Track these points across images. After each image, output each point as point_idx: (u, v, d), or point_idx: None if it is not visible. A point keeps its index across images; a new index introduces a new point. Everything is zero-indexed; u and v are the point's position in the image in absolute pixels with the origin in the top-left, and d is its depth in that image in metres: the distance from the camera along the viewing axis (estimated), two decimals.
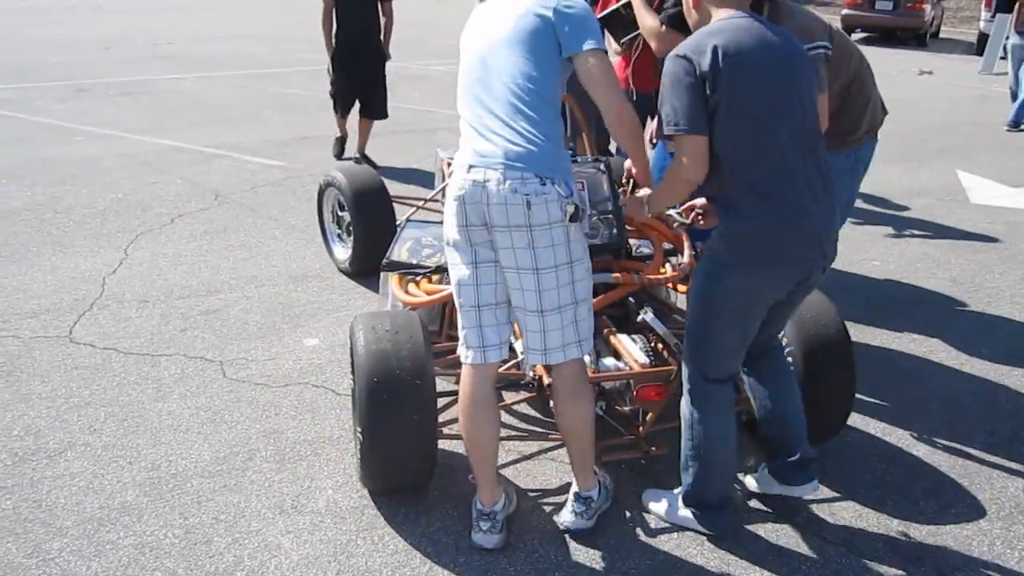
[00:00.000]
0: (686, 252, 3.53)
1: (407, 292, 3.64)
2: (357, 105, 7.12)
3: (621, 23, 4.02)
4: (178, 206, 5.82)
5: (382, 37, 6.98)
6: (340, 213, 4.76)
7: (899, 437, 3.37)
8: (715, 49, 2.37)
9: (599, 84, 2.46)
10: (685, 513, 2.79)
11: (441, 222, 4.41)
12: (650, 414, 3.04)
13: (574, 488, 2.79)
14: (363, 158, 7.15)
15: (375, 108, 7.05)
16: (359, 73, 6.90)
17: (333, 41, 6.84)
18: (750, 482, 2.98)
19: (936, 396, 3.69)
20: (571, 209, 2.48)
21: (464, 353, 2.61)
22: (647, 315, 3.19)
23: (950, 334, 4.27)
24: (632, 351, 3.09)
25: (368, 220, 4.55)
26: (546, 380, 2.97)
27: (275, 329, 4.14)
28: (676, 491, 2.85)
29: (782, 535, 2.80)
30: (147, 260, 4.94)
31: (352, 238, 4.62)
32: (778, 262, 2.51)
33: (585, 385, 2.69)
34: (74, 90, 10.15)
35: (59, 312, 4.26)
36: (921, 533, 2.83)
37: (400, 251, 4.07)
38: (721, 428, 2.69)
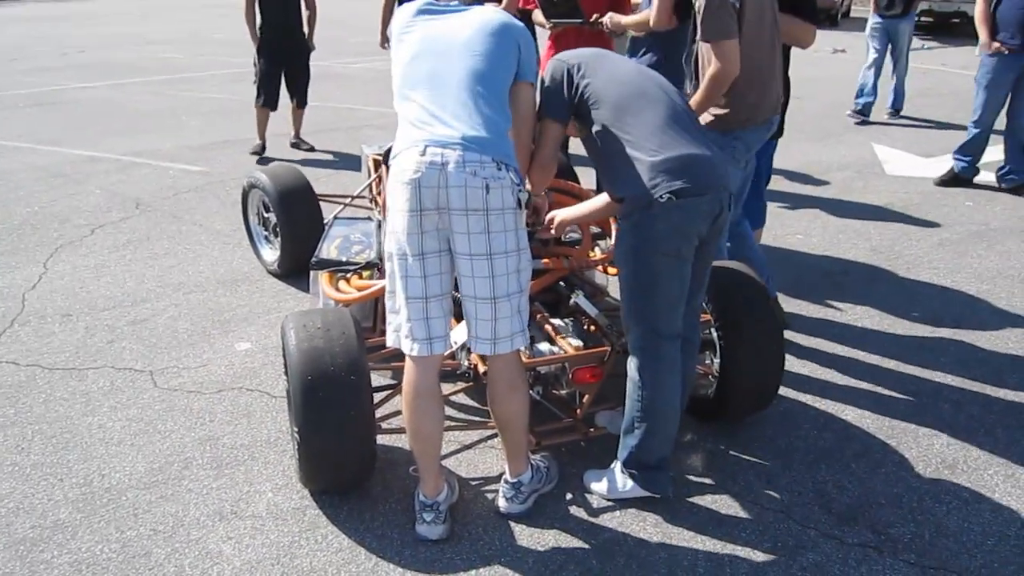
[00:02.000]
0: (614, 234, 3.57)
1: (338, 289, 3.61)
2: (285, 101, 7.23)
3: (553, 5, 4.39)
4: (98, 216, 5.65)
5: (306, 29, 7.20)
6: (266, 214, 4.69)
7: (828, 404, 3.47)
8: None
9: (524, 114, 2.72)
10: (625, 486, 2.83)
11: (369, 218, 4.44)
12: (587, 396, 3.07)
13: (505, 475, 2.80)
14: (301, 142, 7.52)
15: (301, 94, 7.37)
16: (285, 61, 7.13)
17: (258, 32, 7.02)
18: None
19: (862, 362, 3.80)
20: (524, 196, 2.52)
21: (408, 346, 2.58)
22: (578, 298, 3.22)
23: (873, 301, 4.40)
24: (566, 334, 3.12)
25: (295, 220, 4.49)
26: (482, 369, 2.98)
27: (205, 335, 4.06)
28: (613, 466, 2.89)
29: (721, 504, 2.87)
30: (68, 273, 4.79)
31: (279, 239, 4.55)
32: (696, 192, 2.59)
33: (521, 375, 2.71)
34: None
35: None
36: (854, 495, 2.92)
37: (329, 249, 4.03)
38: (670, 388, 2.74)
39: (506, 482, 2.79)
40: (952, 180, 6.40)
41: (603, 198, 2.89)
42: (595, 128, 2.71)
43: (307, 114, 7.58)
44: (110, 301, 4.42)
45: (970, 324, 4.17)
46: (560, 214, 3.07)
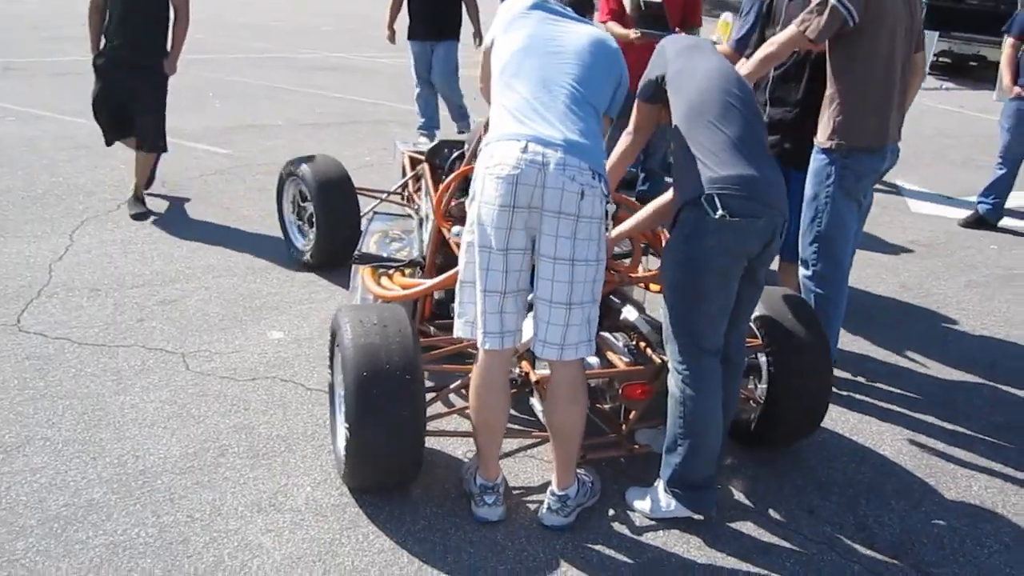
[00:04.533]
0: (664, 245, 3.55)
1: (380, 285, 3.57)
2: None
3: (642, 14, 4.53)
4: (123, 191, 5.57)
5: (169, 45, 5.22)
6: (302, 204, 4.64)
7: (865, 438, 3.45)
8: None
9: None
10: (668, 505, 2.80)
11: (407, 215, 4.40)
12: (633, 412, 3.04)
13: (552, 486, 2.77)
14: (136, 201, 5.29)
15: (149, 138, 5.27)
16: (122, 90, 5.14)
17: (101, 42, 5.14)
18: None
19: (898, 398, 3.78)
20: (612, 208, 2.52)
21: (481, 338, 2.57)
22: (629, 313, 3.19)
23: (905, 338, 4.39)
24: (615, 349, 3.09)
25: (332, 212, 4.44)
26: (533, 377, 2.94)
27: (237, 321, 4.00)
28: (656, 484, 2.86)
29: (764, 532, 2.83)
30: (95, 247, 4.73)
31: (315, 230, 4.50)
32: (753, 214, 2.59)
33: (583, 387, 2.69)
34: (0, 69, 9.68)
35: (4, 299, 4.04)
36: (895, 532, 2.90)
37: (369, 244, 4.00)
38: (713, 405, 2.72)
39: (552, 494, 2.76)
40: (976, 222, 6.40)
41: (662, 199, 2.91)
42: (673, 121, 2.74)
43: (331, 105, 7.44)
44: (138, 279, 4.37)
45: (1003, 368, 4.16)
46: (620, 229, 3.05)
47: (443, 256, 3.66)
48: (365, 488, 2.82)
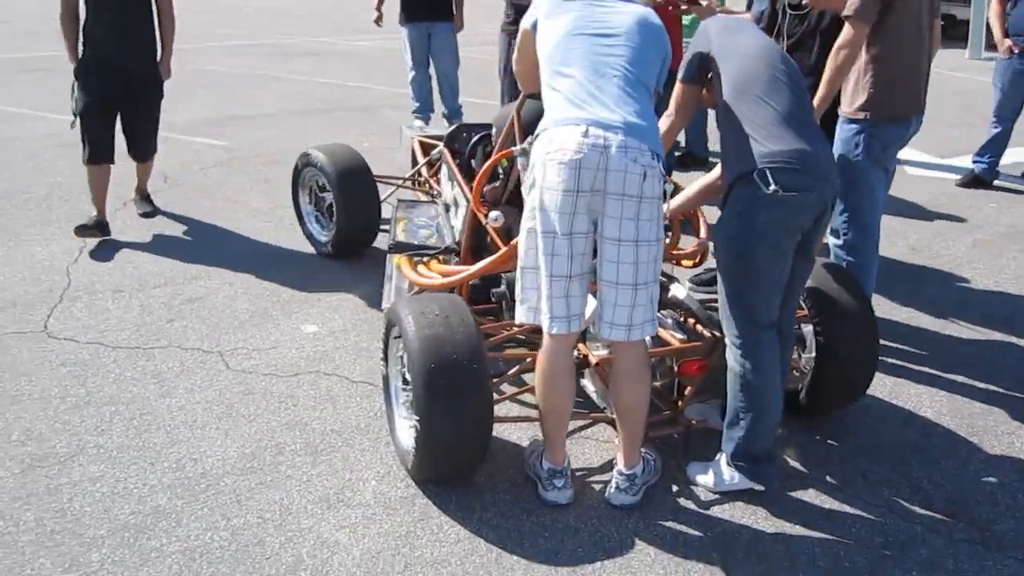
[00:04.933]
0: (702, 228, 3.57)
1: (419, 274, 3.56)
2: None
3: None
4: (127, 190, 5.46)
5: (160, 46, 4.87)
6: (320, 194, 4.59)
7: (905, 399, 3.51)
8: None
9: None
10: (732, 479, 2.84)
11: (431, 201, 4.37)
12: (688, 388, 3.06)
13: (618, 466, 2.80)
14: (142, 201, 5.19)
15: (141, 146, 4.97)
16: (116, 98, 4.73)
17: (79, 47, 4.72)
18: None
19: (928, 359, 3.85)
20: (670, 188, 2.53)
21: (548, 323, 2.58)
22: (678, 291, 3.21)
23: (925, 300, 4.46)
24: (667, 326, 3.11)
25: (352, 201, 4.41)
26: (592, 359, 2.96)
27: (268, 316, 3.97)
28: (718, 458, 2.90)
29: (825, 500, 2.88)
30: (109, 247, 4.66)
31: (335, 219, 4.46)
32: (804, 187, 2.61)
33: (648, 365, 2.71)
34: None
35: (27, 306, 3.97)
36: (949, 491, 2.96)
37: (397, 232, 3.98)
38: (772, 377, 2.76)
39: (620, 473, 2.78)
40: (973, 182, 6.50)
41: (710, 176, 2.92)
42: (719, 100, 2.75)
43: (318, 91, 7.38)
44: (159, 278, 4.31)
45: (1022, 323, 4.25)
46: (672, 206, 3.06)
47: (478, 241, 3.65)
48: (435, 480, 2.82)
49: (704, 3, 4.29)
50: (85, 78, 4.65)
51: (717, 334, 3.04)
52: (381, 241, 4.65)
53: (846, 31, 3.31)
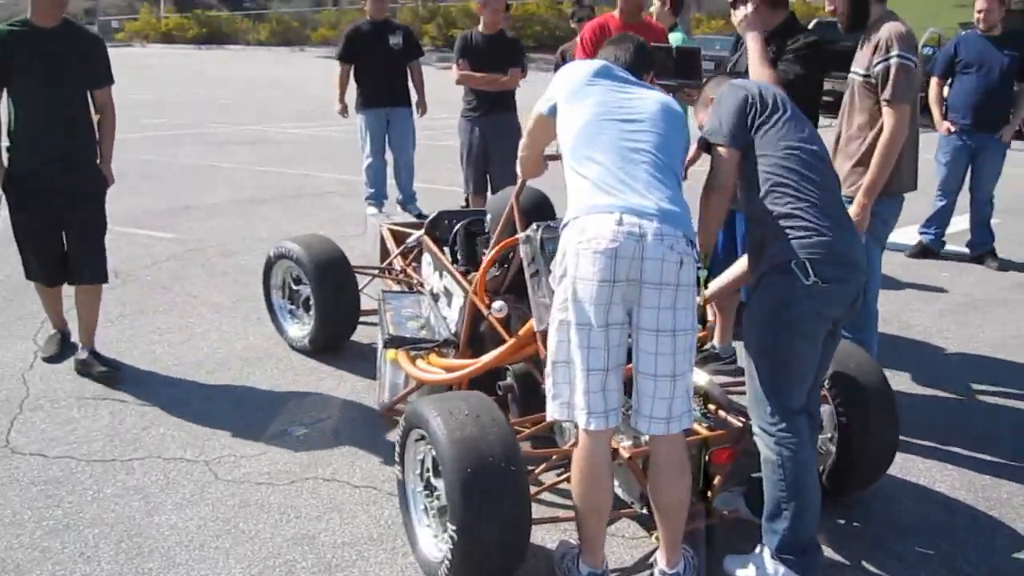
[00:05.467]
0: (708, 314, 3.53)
1: (418, 368, 3.41)
2: None
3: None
4: None
5: (100, 144, 4.05)
6: (295, 287, 4.41)
7: (917, 475, 3.46)
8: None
9: None
10: (777, 572, 2.72)
11: (415, 291, 4.24)
12: (718, 478, 2.96)
13: (660, 566, 2.65)
14: (92, 358, 4.07)
15: (91, 265, 4.07)
16: (58, 223, 3.97)
17: (4, 154, 3.92)
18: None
19: (928, 431, 3.83)
20: (704, 274, 2.47)
21: (585, 419, 2.45)
22: (699, 377, 3.13)
23: (907, 371, 4.49)
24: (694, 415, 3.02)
25: (332, 293, 4.23)
26: (624, 452, 2.83)
27: (251, 418, 3.73)
28: (759, 552, 2.79)
29: None
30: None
31: (314, 313, 4.27)
32: (841, 279, 2.60)
33: (688, 459, 2.61)
34: None
35: None
36: (983, 570, 2.91)
37: (387, 326, 3.82)
38: (810, 461, 2.68)
39: (663, 573, 2.63)
40: (921, 252, 6.71)
41: (741, 264, 2.87)
42: (760, 178, 2.65)
43: (262, 180, 7.20)
44: (126, 382, 4.02)
45: (1007, 387, 4.31)
46: (707, 294, 2.96)
47: (477, 332, 3.53)
48: None
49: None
50: (16, 193, 3.91)
51: (742, 420, 2.97)
52: (360, 335, 4.49)
53: (894, 116, 3.37)
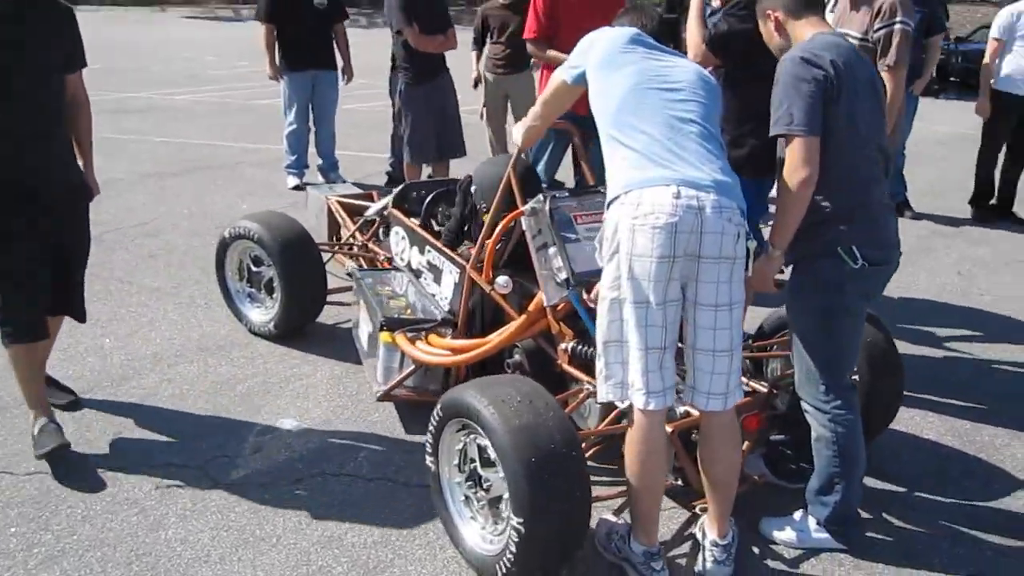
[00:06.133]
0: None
1: (422, 351, 3.27)
2: None
3: None
4: None
5: (76, 146, 3.20)
6: (255, 269, 4.12)
7: (907, 424, 3.59)
8: (833, 63, 2.46)
9: None
10: (820, 535, 2.78)
11: (388, 268, 4.05)
12: (746, 443, 2.96)
13: (711, 536, 2.65)
14: (56, 387, 3.50)
15: (77, 299, 3.32)
16: (53, 245, 3.08)
17: None
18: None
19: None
20: (753, 245, 2.41)
21: (643, 399, 2.39)
22: None
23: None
24: None
25: (299, 274, 3.98)
26: (667, 428, 2.79)
27: (232, 414, 3.48)
28: (798, 516, 2.83)
29: (898, 536, 2.88)
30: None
31: (279, 296, 4.01)
32: (886, 260, 2.64)
33: (739, 432, 2.59)
34: None
35: None
36: (988, 511, 3.05)
37: (376, 308, 3.64)
38: (860, 435, 2.72)
39: (715, 544, 2.62)
40: None
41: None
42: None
43: (164, 151, 6.73)
44: (81, 383, 3.67)
45: (956, 330, 4.54)
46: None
47: (477, 309, 3.41)
48: None
49: None
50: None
51: (765, 386, 3.00)
52: (323, 316, 4.26)
53: (894, 81, 3.44)
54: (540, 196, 3.08)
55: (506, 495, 2.42)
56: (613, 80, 2.53)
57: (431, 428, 2.68)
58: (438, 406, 2.65)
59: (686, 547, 2.78)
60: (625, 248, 2.36)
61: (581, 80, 2.68)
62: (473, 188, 3.53)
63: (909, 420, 3.63)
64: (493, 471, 2.50)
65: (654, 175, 2.37)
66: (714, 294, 2.37)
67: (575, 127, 3.60)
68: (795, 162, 2.44)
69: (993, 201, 7.03)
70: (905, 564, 2.74)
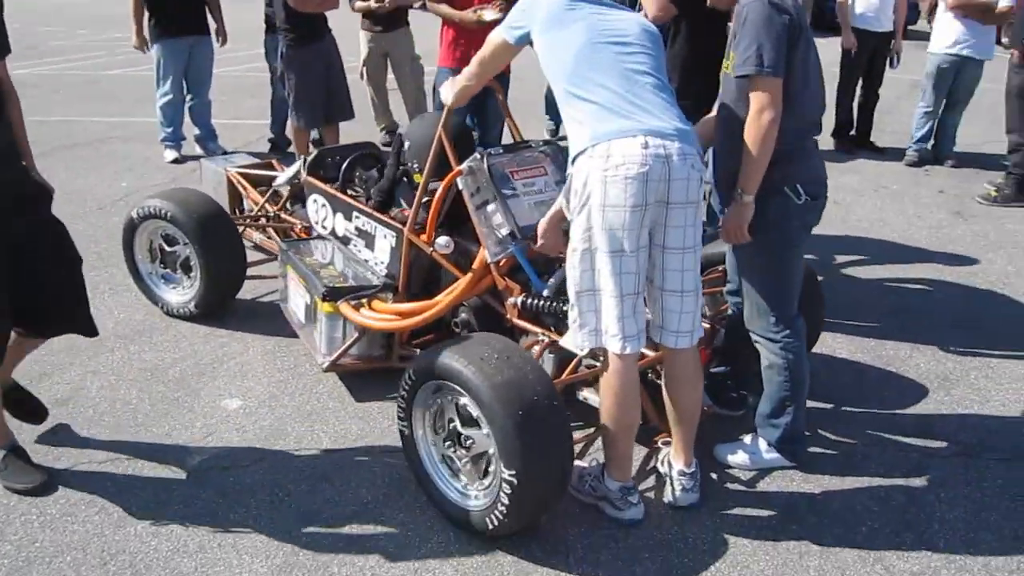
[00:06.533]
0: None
1: (368, 317, 3.26)
2: None
3: None
4: None
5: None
6: (169, 249, 3.94)
7: (820, 345, 3.87)
8: (795, 8, 2.61)
9: None
10: (771, 455, 2.99)
11: (307, 238, 3.96)
12: None
13: (678, 466, 2.81)
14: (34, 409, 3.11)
15: (80, 316, 2.91)
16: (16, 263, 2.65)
17: None
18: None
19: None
20: (708, 188, 2.53)
21: (620, 344, 2.49)
22: None
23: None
24: None
25: (219, 251, 3.85)
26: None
27: (171, 401, 3.35)
28: (749, 440, 3.03)
29: (831, 446, 3.13)
30: None
31: (198, 275, 3.86)
32: (823, 194, 2.84)
33: (700, 365, 2.73)
34: None
35: None
36: (910, 414, 3.37)
37: (293, 280, 3.59)
38: (805, 359, 2.93)
39: (683, 473, 2.79)
40: None
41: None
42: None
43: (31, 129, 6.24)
44: None
45: (867, 263, 4.90)
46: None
47: (417, 272, 3.41)
48: (519, 531, 2.59)
49: None
50: None
51: (710, 323, 3.17)
52: (244, 291, 4.14)
53: None
54: (477, 154, 3.09)
55: (491, 450, 2.48)
56: (562, 38, 2.57)
57: (403, 392, 2.70)
58: (410, 370, 2.67)
59: (651, 481, 2.93)
60: (597, 200, 2.43)
61: (524, 40, 2.70)
62: (405, 148, 3.50)
63: (822, 343, 3.89)
64: (475, 429, 2.55)
65: (620, 127, 2.43)
66: (681, 237, 2.49)
67: (498, 84, 3.61)
68: (763, 103, 2.55)
69: (852, 132, 7.53)
70: (848, 473, 2.99)
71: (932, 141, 7.14)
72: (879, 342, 3.96)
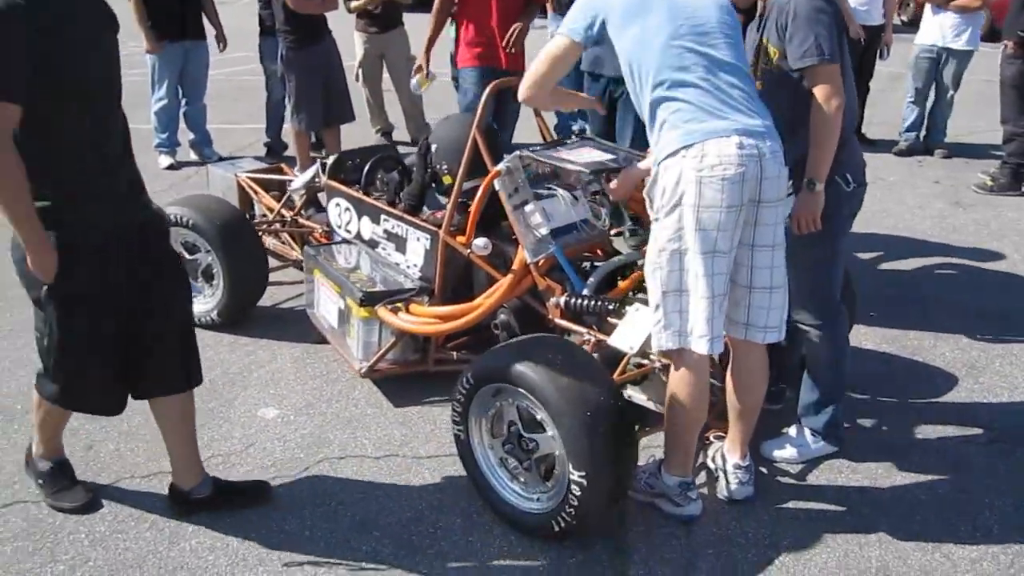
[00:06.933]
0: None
1: (407, 322, 3.23)
2: None
3: None
4: None
5: None
6: (190, 257, 3.87)
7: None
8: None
9: None
10: (817, 444, 3.02)
11: (346, 242, 3.90)
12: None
13: (734, 460, 2.82)
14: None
15: (178, 374, 2.70)
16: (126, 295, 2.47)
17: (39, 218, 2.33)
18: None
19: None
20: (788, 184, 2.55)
21: (706, 345, 2.45)
22: None
23: None
24: None
25: (243, 259, 3.79)
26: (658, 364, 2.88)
27: (206, 413, 3.28)
28: (794, 432, 3.05)
29: (871, 429, 3.16)
30: None
31: (222, 283, 3.80)
32: (865, 181, 2.86)
33: (767, 361, 2.73)
34: None
35: None
36: (943, 402, 3.41)
37: (326, 287, 3.56)
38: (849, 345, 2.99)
39: (738, 467, 2.80)
40: None
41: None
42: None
43: None
44: (23, 399, 3.35)
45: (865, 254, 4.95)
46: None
47: (453, 274, 3.38)
48: (586, 533, 2.58)
49: None
50: (70, 279, 2.30)
51: None
52: (264, 298, 4.08)
53: None
54: (514, 155, 3.07)
55: (558, 452, 2.46)
56: (645, 29, 2.46)
57: (459, 397, 2.67)
58: (467, 374, 2.64)
59: (701, 477, 2.93)
60: (691, 200, 2.39)
61: (596, 36, 2.57)
62: (433, 150, 3.46)
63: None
64: (538, 432, 2.53)
65: (713, 127, 2.39)
66: (772, 235, 2.49)
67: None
68: (829, 91, 2.56)
69: None
70: (893, 463, 3.02)
71: (924, 131, 7.23)
72: (902, 332, 4.00)
